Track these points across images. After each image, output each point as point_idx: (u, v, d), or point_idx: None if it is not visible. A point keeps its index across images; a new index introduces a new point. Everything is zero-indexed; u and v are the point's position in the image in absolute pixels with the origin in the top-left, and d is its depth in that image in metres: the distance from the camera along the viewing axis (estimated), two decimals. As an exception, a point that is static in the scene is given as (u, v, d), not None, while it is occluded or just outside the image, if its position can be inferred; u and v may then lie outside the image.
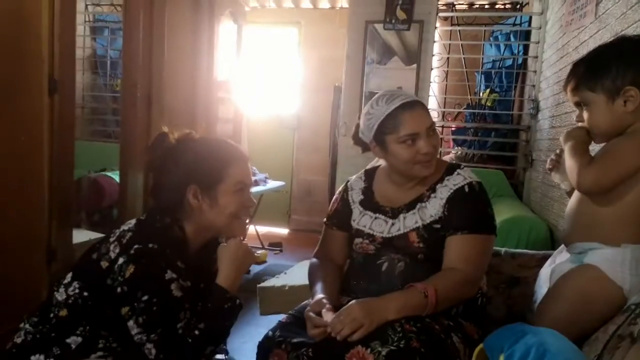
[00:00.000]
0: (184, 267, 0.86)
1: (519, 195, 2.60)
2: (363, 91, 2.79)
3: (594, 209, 0.89)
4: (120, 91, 2.13)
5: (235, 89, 2.69)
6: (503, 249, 1.27)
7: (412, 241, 0.98)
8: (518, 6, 3.22)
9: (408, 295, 0.90)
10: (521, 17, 2.98)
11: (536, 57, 2.61)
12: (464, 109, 3.06)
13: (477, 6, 3.42)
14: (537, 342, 0.71)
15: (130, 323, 0.81)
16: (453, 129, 3.07)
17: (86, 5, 3.00)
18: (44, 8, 1.44)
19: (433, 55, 2.75)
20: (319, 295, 0.96)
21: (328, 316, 0.88)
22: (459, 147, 3.00)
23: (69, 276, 0.88)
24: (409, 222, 1.00)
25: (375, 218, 1.04)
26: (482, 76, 3.08)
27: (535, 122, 2.52)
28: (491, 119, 2.96)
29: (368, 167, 1.18)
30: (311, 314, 0.91)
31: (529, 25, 2.83)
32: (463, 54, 3.09)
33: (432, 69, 2.77)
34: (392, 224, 1.01)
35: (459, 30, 3.07)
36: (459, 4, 3.34)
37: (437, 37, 2.78)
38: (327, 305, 0.90)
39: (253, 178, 1.02)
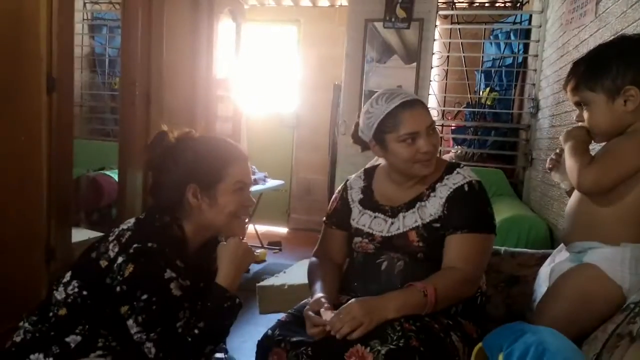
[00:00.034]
0: (183, 266, 0.86)
1: (518, 194, 2.60)
2: (363, 90, 2.78)
3: (594, 208, 0.89)
4: (119, 89, 2.12)
5: (234, 87, 2.68)
6: (502, 248, 1.27)
7: (412, 240, 0.98)
8: (518, 4, 3.22)
9: (407, 294, 0.90)
10: (521, 15, 2.98)
11: (536, 55, 2.60)
12: (464, 107, 3.06)
13: (477, 4, 3.41)
14: (536, 341, 0.72)
15: (130, 322, 0.81)
16: (453, 127, 3.07)
17: (84, 3, 2.98)
18: (42, 6, 1.43)
19: (433, 53, 2.75)
20: (318, 295, 0.96)
21: (327, 315, 0.88)
22: (459, 146, 3.00)
23: (68, 275, 0.88)
24: (409, 221, 1.00)
25: (375, 217, 1.04)
26: (482, 75, 3.08)
27: (535, 121, 2.51)
28: (491, 118, 2.96)
29: (367, 166, 1.18)
30: (310, 313, 0.91)
31: (529, 23, 2.82)
32: (463, 52, 3.08)
33: (432, 67, 2.76)
34: (392, 223, 1.01)
35: (459, 29, 3.07)
36: (459, 3, 3.33)
37: (437, 36, 2.78)
38: (326, 305, 0.90)
39: (252, 177, 1.02)
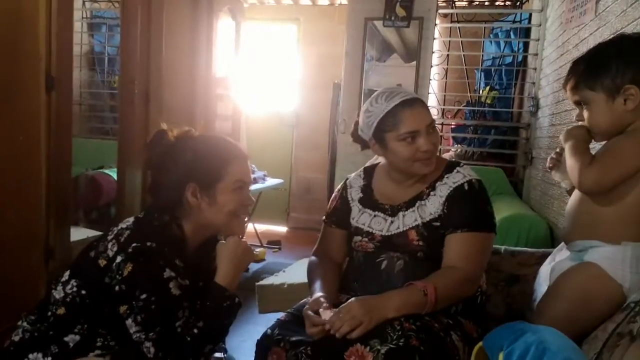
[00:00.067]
0: (182, 266, 0.86)
1: (518, 193, 2.60)
2: (362, 88, 2.78)
3: (594, 208, 0.89)
4: (118, 88, 2.12)
5: (233, 86, 2.68)
6: (503, 247, 1.27)
7: (412, 239, 0.98)
8: (518, 3, 3.21)
9: (407, 293, 0.90)
10: (521, 14, 2.97)
11: (536, 54, 2.60)
12: (464, 106, 3.06)
13: (477, 3, 3.40)
14: (536, 341, 0.71)
15: (129, 321, 0.80)
16: (453, 126, 3.07)
17: (83, 2, 2.98)
18: (41, 5, 1.42)
19: (433, 52, 2.74)
20: (318, 294, 0.96)
21: (326, 315, 0.88)
22: (459, 145, 2.99)
23: (66, 274, 0.88)
24: (409, 220, 1.00)
25: (375, 216, 1.04)
26: (482, 73, 3.07)
27: (535, 120, 2.51)
28: (491, 117, 2.96)
29: (367, 164, 1.17)
30: (310, 312, 0.91)
31: (529, 22, 2.82)
32: (463, 51, 3.08)
33: (431, 66, 2.76)
34: (392, 222, 1.01)
35: (459, 28, 3.06)
36: (459, 1, 3.33)
37: (436, 34, 2.77)
38: (325, 305, 0.90)
39: (252, 176, 1.02)
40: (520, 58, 2.90)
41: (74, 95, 1.67)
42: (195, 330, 0.83)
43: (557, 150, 1.02)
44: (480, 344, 0.81)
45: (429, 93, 2.76)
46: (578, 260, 0.91)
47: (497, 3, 3.38)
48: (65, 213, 1.59)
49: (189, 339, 0.82)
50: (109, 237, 0.87)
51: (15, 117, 1.41)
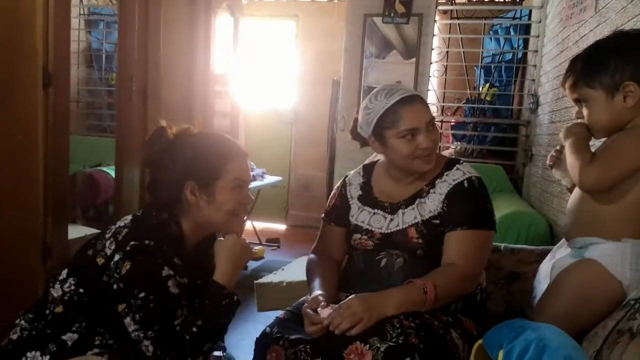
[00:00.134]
0: (180, 264, 0.85)
1: (518, 191, 2.60)
2: (361, 85, 2.77)
3: (595, 206, 0.89)
4: (116, 85, 2.11)
5: (232, 83, 2.67)
6: (502, 245, 1.27)
7: (411, 237, 0.98)
8: (518, 0, 3.20)
9: (407, 291, 0.90)
10: (521, 10, 2.96)
11: (536, 51, 2.59)
12: (464, 103, 3.05)
13: (477, 0, 3.39)
14: (536, 338, 0.71)
15: (127, 320, 0.80)
16: (452, 123, 3.06)
17: (80, -2, 2.96)
18: (38, 1, 1.41)
19: (432, 49, 2.73)
20: (317, 292, 0.96)
21: (324, 313, 0.87)
22: (458, 142, 2.99)
23: (64, 272, 0.87)
24: (408, 217, 0.99)
25: (374, 214, 1.04)
26: (482, 70, 3.06)
27: (535, 117, 2.51)
28: (491, 114, 2.95)
29: (366, 162, 1.17)
30: (309, 310, 0.90)
31: (529, 18, 2.81)
32: (462, 48, 3.07)
33: (431, 63, 2.75)
34: (391, 220, 1.01)
35: (459, 24, 3.05)
36: (459, -2, 3.31)
37: (436, 31, 2.76)
38: (323, 303, 0.90)
39: (251, 174, 1.01)
40: (520, 55, 2.89)
41: (71, 93, 1.66)
42: (194, 329, 0.82)
43: (557, 148, 1.02)
44: (480, 341, 0.81)
45: (428, 90, 2.76)
46: (578, 257, 0.90)
47: (496, 0, 3.37)
48: (62, 211, 1.58)
49: (187, 337, 0.81)
50: (107, 235, 0.87)
51: (12, 114, 1.40)
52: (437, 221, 0.98)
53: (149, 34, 1.92)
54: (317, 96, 3.67)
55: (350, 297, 0.89)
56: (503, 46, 3.00)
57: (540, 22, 2.55)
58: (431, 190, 1.00)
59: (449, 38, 3.03)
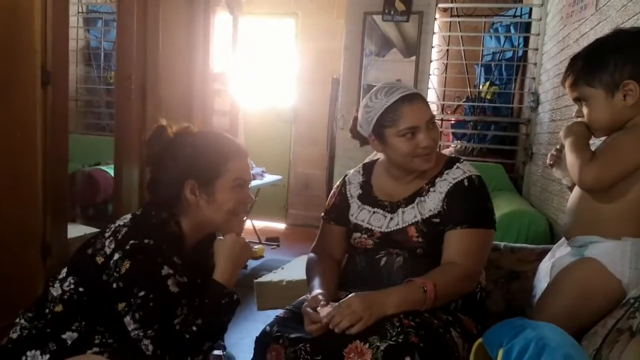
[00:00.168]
0: (180, 263, 0.85)
1: (518, 189, 2.60)
2: (361, 84, 2.76)
3: (595, 205, 0.89)
4: (115, 83, 2.10)
5: (231, 81, 2.66)
6: (502, 243, 1.27)
7: (411, 236, 0.98)
8: (518, -3, 3.19)
9: (407, 290, 0.90)
10: (521, 8, 2.95)
11: (536, 49, 2.58)
12: (464, 102, 3.05)
13: (477, -3, 3.38)
14: (536, 337, 0.71)
15: (127, 319, 0.80)
16: (452, 122, 3.06)
17: (79, -4, 2.94)
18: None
19: (432, 47, 2.73)
20: (317, 291, 0.96)
21: (324, 312, 0.87)
22: (459, 141, 2.99)
23: (64, 271, 0.87)
24: (408, 216, 0.99)
25: (374, 212, 1.03)
26: (482, 69, 3.06)
27: (535, 116, 2.50)
28: (491, 112, 2.95)
29: (366, 160, 1.17)
30: (309, 309, 0.90)
31: (530, 16, 2.80)
32: (462, 45, 3.06)
33: (431, 61, 2.74)
34: (391, 219, 1.01)
35: (459, 22, 3.04)
36: (459, -5, 3.30)
37: (436, 29, 2.75)
38: (322, 302, 0.90)
39: (251, 173, 1.01)
40: (520, 53, 2.89)
41: (70, 91, 1.65)
42: (194, 328, 0.82)
43: (557, 146, 1.02)
44: (480, 340, 0.81)
45: (428, 88, 2.75)
46: (578, 255, 0.90)
47: (497, -3, 3.36)
48: (62, 210, 1.58)
49: (187, 336, 0.81)
50: (107, 234, 0.86)
51: (11, 112, 1.39)
52: (437, 220, 0.97)
53: (147, 32, 1.91)
54: (317, 95, 3.66)
55: (350, 295, 0.89)
56: (503, 44, 2.99)
57: (540, 20, 2.54)
58: (431, 189, 1.00)
59: (449, 36, 3.02)
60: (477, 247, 0.96)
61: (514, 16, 2.97)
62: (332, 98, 3.34)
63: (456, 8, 3.12)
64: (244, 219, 0.97)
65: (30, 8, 1.40)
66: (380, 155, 1.09)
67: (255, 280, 1.72)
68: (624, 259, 0.85)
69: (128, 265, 0.80)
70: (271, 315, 1.03)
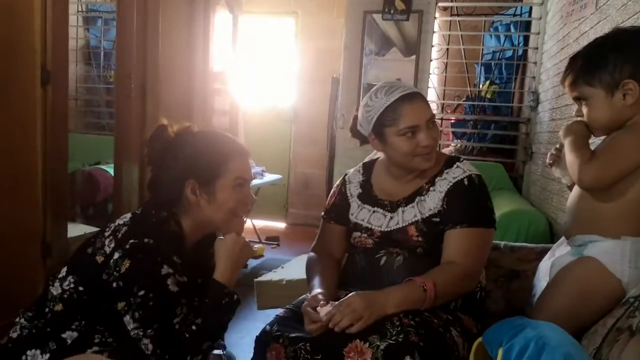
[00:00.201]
0: (180, 262, 0.85)
1: (518, 189, 2.60)
2: (361, 83, 2.76)
3: (595, 204, 0.89)
4: (114, 82, 2.10)
5: (231, 80, 2.66)
6: (502, 243, 1.27)
7: (411, 235, 0.98)
8: (518, -4, 3.19)
9: (407, 289, 0.90)
10: (521, 7, 2.95)
11: (536, 48, 2.58)
12: (464, 101, 3.04)
13: (477, -4, 3.37)
14: (536, 336, 0.71)
15: (127, 318, 0.80)
16: (452, 121, 3.06)
17: (79, -5, 2.94)
18: (36, -2, 1.40)
19: (432, 46, 2.72)
20: (317, 290, 0.96)
21: (323, 311, 0.87)
22: (459, 140, 2.99)
23: (63, 271, 0.87)
24: (408, 215, 0.99)
25: (374, 212, 1.03)
26: (482, 68, 3.06)
27: (535, 115, 2.50)
28: (491, 111, 2.95)
29: (366, 160, 1.16)
30: (309, 309, 0.90)
31: (530, 15, 2.80)
32: (462, 45, 3.06)
33: (431, 60, 2.74)
34: (391, 218, 1.01)
35: (459, 21, 3.04)
36: (459, -6, 3.29)
37: (436, 28, 2.75)
38: (322, 301, 0.90)
39: (252, 172, 1.00)
40: (520, 52, 2.88)
41: (69, 90, 1.65)
42: (194, 327, 0.82)
43: (557, 146, 1.02)
44: (480, 339, 0.81)
45: (428, 87, 2.75)
46: (578, 254, 0.90)
47: (497, -4, 3.35)
48: (62, 209, 1.58)
49: (187, 335, 0.81)
50: (106, 234, 0.86)
51: (10, 112, 1.39)
52: (437, 219, 0.97)
53: (147, 31, 1.91)
54: (317, 94, 3.66)
55: (350, 294, 0.89)
56: (503, 43, 2.99)
57: (540, 19, 2.54)
58: (431, 188, 1.00)
59: (449, 35, 3.02)
60: (477, 247, 0.96)
61: (514, 15, 2.96)
62: (332, 97, 3.34)
63: (456, 7, 3.12)
64: (244, 220, 0.97)
65: (30, 7, 1.40)
66: (380, 155, 1.09)
67: (255, 280, 1.72)
68: (624, 258, 0.85)
69: (128, 264, 0.80)
70: (271, 314, 1.02)
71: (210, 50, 2.35)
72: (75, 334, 0.83)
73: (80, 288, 0.84)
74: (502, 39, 3.01)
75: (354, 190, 1.09)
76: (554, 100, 2.12)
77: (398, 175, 1.03)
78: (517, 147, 2.78)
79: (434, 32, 2.71)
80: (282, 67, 3.94)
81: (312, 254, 1.10)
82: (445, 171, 1.00)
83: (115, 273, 0.81)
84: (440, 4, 2.86)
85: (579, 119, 0.94)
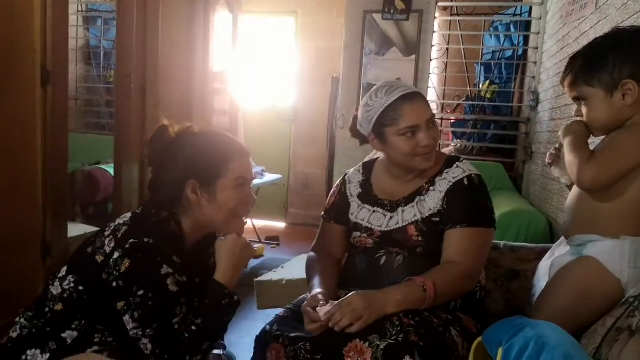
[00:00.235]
0: (180, 262, 0.85)
1: (518, 189, 2.60)
2: (361, 82, 2.76)
3: (594, 204, 0.89)
4: (114, 82, 2.10)
5: (231, 80, 2.66)
6: (502, 242, 1.27)
7: (411, 235, 0.98)
8: (518, -4, 3.18)
9: (407, 289, 0.90)
10: (521, 7, 2.95)
11: (536, 48, 2.58)
12: (464, 100, 3.04)
13: (477, -4, 3.37)
14: (535, 336, 0.71)
15: (126, 318, 0.80)
16: (452, 121, 3.06)
17: (79, -5, 2.94)
18: (36, -2, 1.41)
19: (432, 46, 2.73)
20: (317, 290, 0.96)
21: (323, 311, 0.87)
22: (458, 140, 2.99)
23: (63, 270, 0.87)
24: (408, 215, 0.99)
25: (374, 211, 1.03)
26: (482, 67, 3.06)
27: (535, 114, 2.50)
28: (491, 111, 2.95)
29: (366, 159, 1.16)
30: (309, 308, 0.90)
31: (529, 15, 2.80)
32: (462, 44, 3.06)
33: (431, 60, 2.74)
34: (391, 218, 1.01)
35: (459, 21, 3.04)
36: (459, -6, 3.29)
37: (436, 28, 2.75)
38: (322, 301, 0.90)
39: (253, 172, 1.00)
40: (520, 52, 2.89)
41: (69, 90, 1.65)
42: (194, 327, 0.82)
43: (557, 146, 1.02)
44: (480, 339, 0.81)
45: (428, 87, 2.75)
46: (577, 254, 0.91)
47: (497, -4, 3.35)
48: (62, 209, 1.58)
49: (186, 335, 0.81)
50: (106, 233, 0.86)
51: (10, 112, 1.39)
52: (437, 219, 0.97)
53: (147, 31, 1.91)
54: (317, 94, 3.66)
55: (350, 294, 0.89)
56: (503, 43, 2.99)
57: (540, 18, 2.54)
58: (431, 188, 1.00)
59: (449, 35, 3.02)
60: (477, 246, 0.96)
61: (514, 15, 2.96)
62: (332, 97, 3.33)
63: (456, 7, 3.12)
64: (244, 221, 0.97)
65: (30, 7, 1.40)
66: (380, 154, 1.09)
67: (255, 279, 1.72)
68: (623, 257, 0.85)
69: (128, 264, 0.80)
70: (271, 314, 1.02)
71: (210, 50, 2.35)
72: (75, 334, 0.83)
73: (80, 287, 0.84)
74: (502, 38, 3.01)
75: (354, 190, 1.09)
76: (553, 100, 2.12)
77: (398, 175, 1.03)
78: (517, 147, 2.78)
79: (434, 31, 2.71)
80: (282, 66, 3.93)
81: (312, 253, 1.10)
82: (445, 171, 1.00)
83: (115, 272, 0.81)
84: (440, 4, 2.86)
85: (578, 119, 0.94)
